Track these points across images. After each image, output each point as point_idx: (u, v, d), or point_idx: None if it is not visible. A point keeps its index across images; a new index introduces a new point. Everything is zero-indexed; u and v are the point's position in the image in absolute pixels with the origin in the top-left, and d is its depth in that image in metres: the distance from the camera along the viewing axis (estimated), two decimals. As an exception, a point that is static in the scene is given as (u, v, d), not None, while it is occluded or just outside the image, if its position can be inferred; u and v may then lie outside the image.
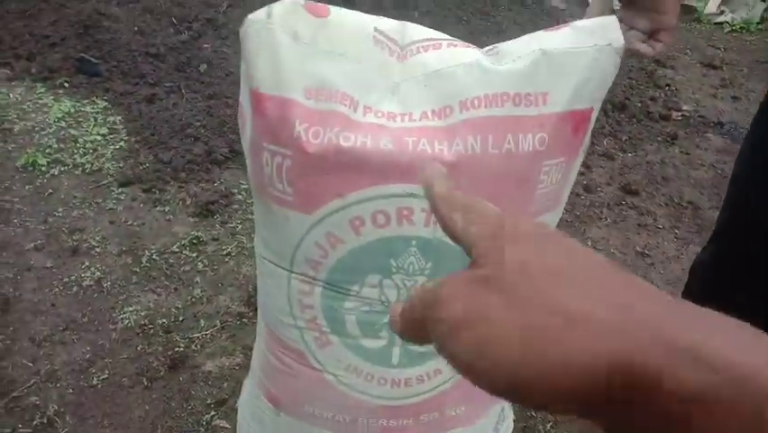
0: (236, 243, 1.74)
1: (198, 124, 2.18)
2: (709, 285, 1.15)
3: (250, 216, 1.85)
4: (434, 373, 1.02)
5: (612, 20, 0.85)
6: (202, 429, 1.24)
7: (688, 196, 2.17)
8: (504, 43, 0.87)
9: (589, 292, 0.24)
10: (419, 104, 0.82)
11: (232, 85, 2.42)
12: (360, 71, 0.85)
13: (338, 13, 0.86)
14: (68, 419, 1.24)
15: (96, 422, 1.24)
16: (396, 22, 0.88)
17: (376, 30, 0.87)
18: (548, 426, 1.30)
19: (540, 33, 0.86)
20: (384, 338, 0.97)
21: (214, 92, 2.38)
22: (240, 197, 1.93)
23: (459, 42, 0.88)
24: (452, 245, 0.78)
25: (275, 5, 0.83)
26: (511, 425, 1.27)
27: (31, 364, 1.34)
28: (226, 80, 2.45)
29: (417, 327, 0.30)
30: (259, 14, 0.82)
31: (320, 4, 0.85)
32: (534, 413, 1.32)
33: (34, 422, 1.23)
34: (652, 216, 2.05)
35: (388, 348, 0.99)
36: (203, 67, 2.51)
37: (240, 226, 1.80)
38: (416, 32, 0.88)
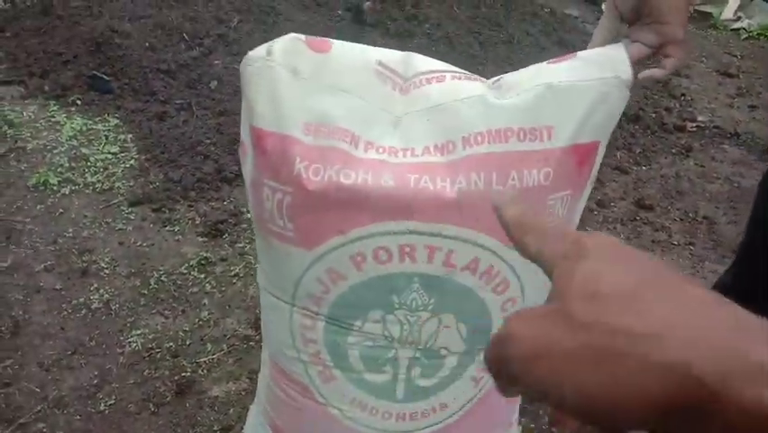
0: (244, 263, 1.73)
1: (209, 141, 2.19)
2: None
3: (258, 236, 1.85)
4: (439, 408, 1.01)
5: (620, 50, 0.83)
6: (208, 457, 1.23)
7: (703, 210, 2.13)
8: (509, 74, 0.86)
9: (657, 308, 0.24)
10: (421, 139, 0.81)
11: (239, 103, 2.42)
12: (361, 106, 0.84)
13: (340, 47, 0.85)
14: (74, 446, 1.24)
15: (103, 450, 1.24)
16: (400, 53, 0.87)
17: (379, 63, 0.86)
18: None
19: (545, 65, 0.84)
20: (388, 372, 0.96)
21: (224, 109, 2.39)
22: (249, 215, 1.92)
23: (463, 74, 0.87)
24: (456, 281, 0.76)
25: (275, 42, 0.82)
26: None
27: (38, 390, 1.35)
28: (236, 97, 2.45)
29: (497, 370, 0.29)
30: (259, 51, 0.82)
31: (322, 38, 0.85)
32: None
33: (41, 448, 1.23)
34: (666, 231, 2.02)
35: (393, 382, 0.97)
36: (213, 83, 2.51)
37: (248, 246, 1.80)
38: (421, 63, 0.87)
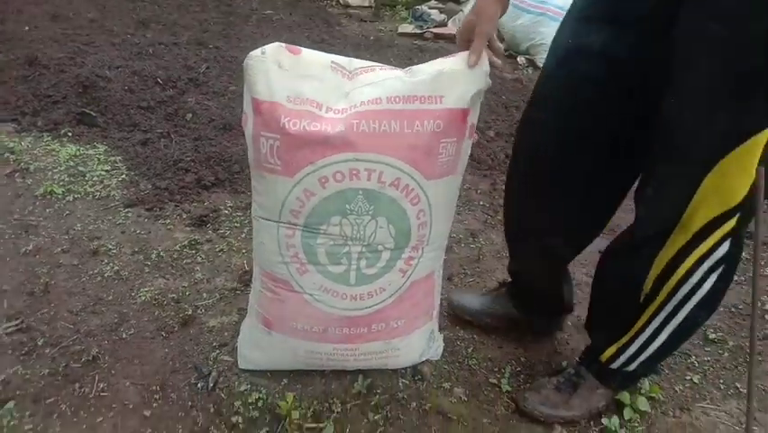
0: (226, 243, 2.18)
1: (188, 159, 2.65)
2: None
3: (235, 225, 2.30)
4: (379, 291, 1.48)
5: (483, 53, 1.37)
6: (210, 362, 1.64)
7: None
8: (417, 66, 1.40)
9: None
10: (361, 98, 1.32)
11: (214, 129, 2.90)
12: (322, 86, 1.36)
13: (307, 52, 1.38)
14: (107, 358, 1.63)
15: (128, 360, 1.63)
16: (345, 57, 1.40)
17: (332, 62, 1.38)
18: (470, 350, 1.75)
19: (441, 59, 1.39)
20: (344, 264, 1.44)
21: (199, 135, 2.86)
22: (226, 212, 2.38)
23: (387, 67, 1.40)
24: (386, 194, 1.29)
25: (267, 47, 1.34)
26: (441, 346, 1.71)
27: (72, 326, 1.73)
28: (209, 125, 2.93)
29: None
30: (256, 53, 1.33)
31: (295, 46, 1.37)
32: (459, 341, 1.77)
33: (82, 360, 1.61)
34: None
35: (347, 272, 1.46)
36: (188, 116, 2.99)
37: (228, 232, 2.24)
38: (359, 62, 1.40)
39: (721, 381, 1.73)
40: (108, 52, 3.73)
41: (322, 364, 1.57)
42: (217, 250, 2.13)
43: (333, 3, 6.38)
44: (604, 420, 1.52)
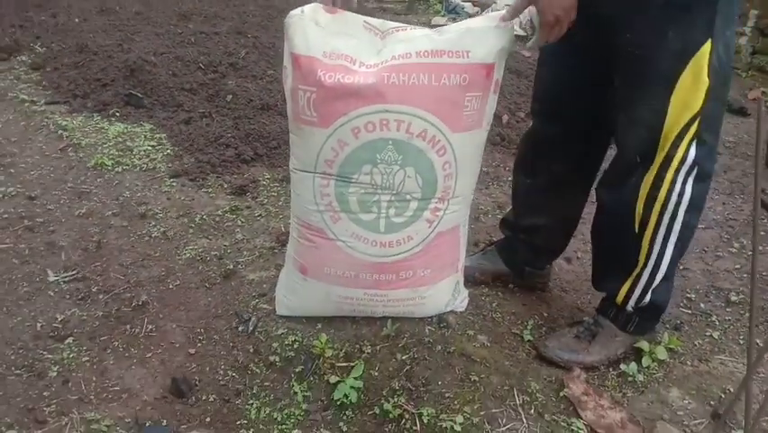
0: (264, 209, 2.30)
1: (229, 135, 2.78)
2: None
3: (273, 194, 2.42)
4: (407, 239, 1.58)
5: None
6: (250, 309, 1.76)
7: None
8: (445, 26, 1.49)
9: None
10: (392, 53, 1.41)
11: (253, 109, 3.04)
12: (356, 43, 1.46)
13: (342, 12, 1.48)
14: (155, 304, 1.76)
15: (175, 307, 1.76)
16: (378, 19, 1.50)
17: (365, 22, 1.49)
18: (494, 304, 1.83)
19: (469, 20, 1.48)
20: (374, 212, 1.54)
21: (239, 115, 3.00)
22: (264, 183, 2.50)
23: (418, 27, 1.50)
24: (414, 145, 1.38)
25: (306, 6, 1.44)
26: (466, 299, 1.80)
27: (122, 277, 1.87)
28: (249, 106, 3.07)
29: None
30: (296, 11, 1.44)
31: (332, 7, 1.47)
32: (484, 297, 1.86)
33: (132, 304, 1.75)
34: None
35: (377, 219, 1.56)
36: (229, 97, 3.13)
37: (266, 200, 2.37)
38: (391, 23, 1.50)
39: (741, 337, 1.77)
40: (153, 41, 3.91)
41: (353, 310, 1.67)
42: (256, 215, 2.25)
43: (368, -2, 6.51)
44: (622, 366, 1.59)
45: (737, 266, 2.15)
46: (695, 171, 1.40)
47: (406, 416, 1.43)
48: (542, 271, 1.92)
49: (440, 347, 1.63)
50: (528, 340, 1.70)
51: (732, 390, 1.55)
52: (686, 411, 1.49)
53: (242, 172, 2.58)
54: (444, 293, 1.71)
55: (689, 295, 1.97)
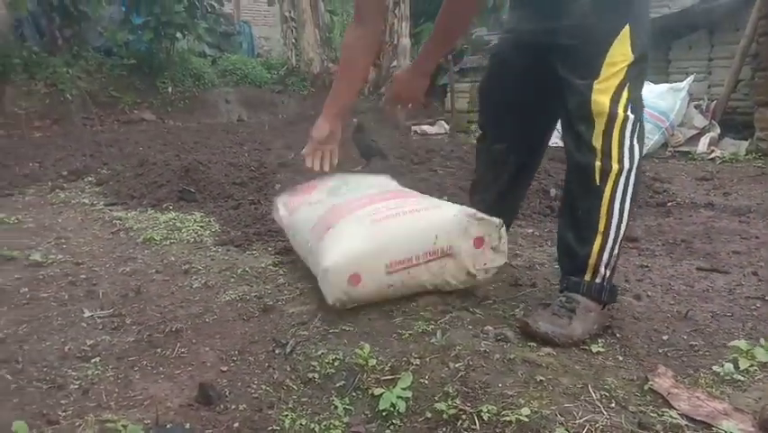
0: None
1: (275, 213, 2.80)
2: None
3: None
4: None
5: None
6: (289, 336, 1.62)
7: (681, 237, 2.58)
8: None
9: None
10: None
11: (300, 193, 3.07)
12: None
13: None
14: (189, 332, 1.65)
15: (210, 335, 1.64)
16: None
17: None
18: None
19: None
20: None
21: (286, 199, 3.03)
22: (309, 247, 2.45)
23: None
24: None
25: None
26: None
27: (158, 315, 1.78)
28: (296, 190, 3.11)
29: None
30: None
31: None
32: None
33: (165, 331, 1.64)
34: (650, 251, 2.45)
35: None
36: (277, 186, 3.20)
37: (310, 258, 2.30)
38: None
39: None
40: (208, 155, 4.14)
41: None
42: (299, 266, 2.17)
43: (413, 133, 6.83)
44: (715, 367, 1.36)
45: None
46: (638, 129, 1.60)
47: (463, 416, 1.23)
48: None
49: (498, 356, 1.44)
50: (597, 352, 1.49)
51: None
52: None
53: (287, 239, 2.54)
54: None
55: (784, 319, 1.73)
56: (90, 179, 4.09)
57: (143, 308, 1.83)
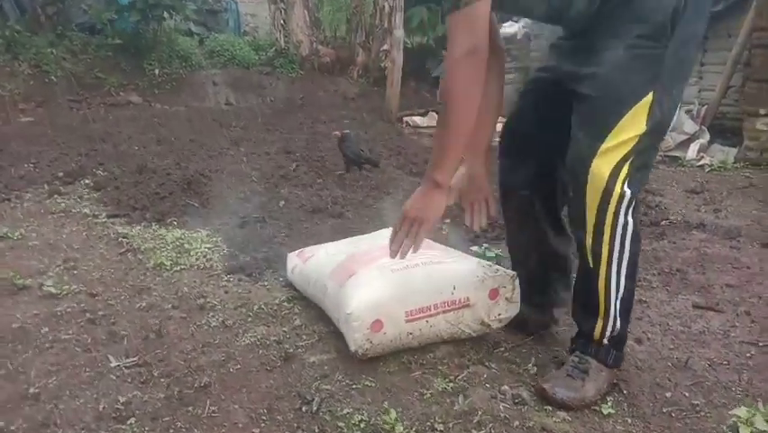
0: (321, 299, 2.29)
1: (283, 235, 2.85)
2: None
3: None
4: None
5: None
6: (313, 390, 1.70)
7: (677, 266, 2.69)
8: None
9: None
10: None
11: (305, 213, 3.13)
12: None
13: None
14: (217, 386, 1.72)
15: (236, 389, 1.71)
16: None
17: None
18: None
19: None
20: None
21: (291, 219, 3.08)
22: (319, 276, 2.51)
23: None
24: None
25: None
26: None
27: (183, 363, 1.84)
28: (300, 210, 3.17)
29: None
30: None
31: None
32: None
33: (194, 386, 1.71)
34: (647, 282, 2.55)
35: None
36: (281, 203, 3.24)
37: (322, 291, 2.36)
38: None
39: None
40: (207, 161, 4.14)
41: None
42: (312, 305, 2.23)
43: (404, 125, 6.85)
44: (719, 438, 1.46)
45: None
46: (633, 205, 1.57)
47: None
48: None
49: (518, 422, 1.54)
50: (609, 414, 1.59)
51: None
52: (801, 484, 1.34)
53: (297, 268, 2.60)
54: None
55: (776, 372, 1.84)
56: (87, 181, 4.06)
57: (167, 355, 1.89)
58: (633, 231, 1.59)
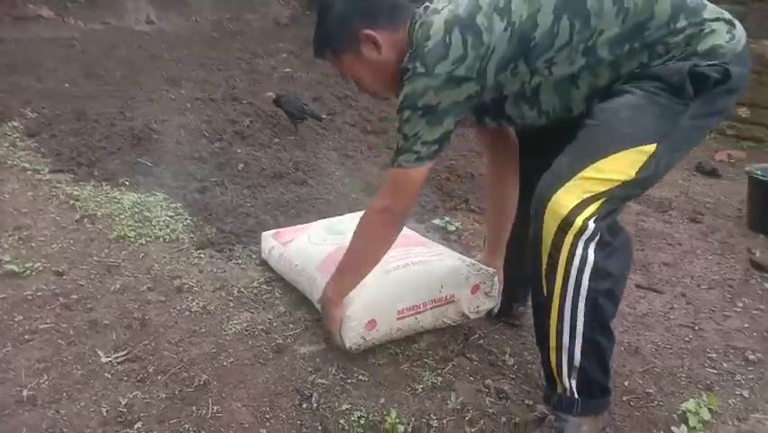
0: (298, 280, 2.35)
1: (248, 205, 2.83)
2: None
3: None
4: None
5: None
6: (309, 385, 1.79)
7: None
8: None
9: None
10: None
11: (266, 178, 3.10)
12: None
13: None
14: (215, 383, 1.77)
15: (235, 385, 1.77)
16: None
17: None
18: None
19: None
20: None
21: (252, 185, 3.05)
22: (290, 252, 2.55)
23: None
24: None
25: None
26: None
27: (175, 356, 1.88)
28: (262, 174, 3.14)
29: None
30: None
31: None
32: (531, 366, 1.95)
33: (194, 384, 1.76)
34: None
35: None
36: (240, 165, 3.19)
37: (297, 270, 2.41)
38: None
39: (768, 395, 1.92)
40: (150, 108, 3.95)
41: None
42: (293, 288, 2.29)
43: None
44: (674, 428, 1.69)
45: (746, 325, 2.31)
46: (596, 239, 1.38)
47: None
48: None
49: (504, 419, 1.70)
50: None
51: (777, 448, 1.67)
52: (741, 472, 1.60)
53: (267, 242, 2.62)
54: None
55: (710, 355, 2.11)
56: (15, 124, 3.79)
57: (156, 347, 1.91)
58: (593, 268, 1.39)
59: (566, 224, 1.36)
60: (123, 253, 2.47)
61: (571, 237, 1.36)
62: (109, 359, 1.84)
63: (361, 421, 1.68)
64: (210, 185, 3.05)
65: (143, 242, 2.55)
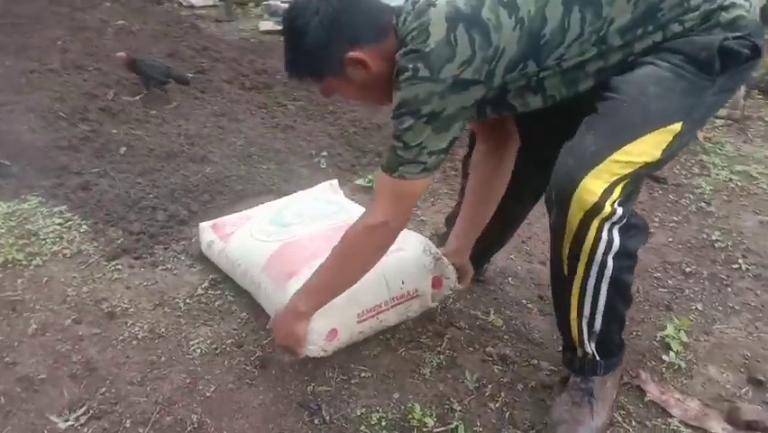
0: (244, 276, 2.11)
1: (150, 195, 2.47)
2: None
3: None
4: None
5: None
6: (310, 396, 1.64)
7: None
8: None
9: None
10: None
11: (159, 159, 2.72)
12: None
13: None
14: (210, 421, 1.55)
15: (231, 417, 1.57)
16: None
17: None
18: (530, 325, 1.94)
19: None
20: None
21: (144, 168, 2.66)
22: (221, 244, 2.28)
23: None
24: None
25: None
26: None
27: (146, 398, 1.61)
28: (152, 155, 2.74)
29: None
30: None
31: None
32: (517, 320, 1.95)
33: (186, 429, 1.52)
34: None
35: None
36: (123, 149, 2.76)
37: (238, 265, 2.17)
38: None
39: (717, 304, 2.10)
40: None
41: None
42: (240, 289, 2.05)
43: (176, 5, 6.04)
44: (665, 357, 1.81)
45: (670, 239, 2.50)
46: (622, 223, 1.34)
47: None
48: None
49: (520, 386, 1.70)
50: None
51: (748, 354, 1.85)
52: (730, 384, 1.75)
53: (188, 237, 2.32)
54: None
55: (654, 274, 2.27)
56: None
57: (119, 393, 1.63)
58: (619, 250, 1.36)
59: (594, 210, 1.30)
60: (20, 281, 2.04)
61: (598, 222, 1.31)
62: (68, 423, 1.53)
63: (383, 423, 1.58)
64: (92, 177, 2.61)
65: (39, 262, 2.13)
